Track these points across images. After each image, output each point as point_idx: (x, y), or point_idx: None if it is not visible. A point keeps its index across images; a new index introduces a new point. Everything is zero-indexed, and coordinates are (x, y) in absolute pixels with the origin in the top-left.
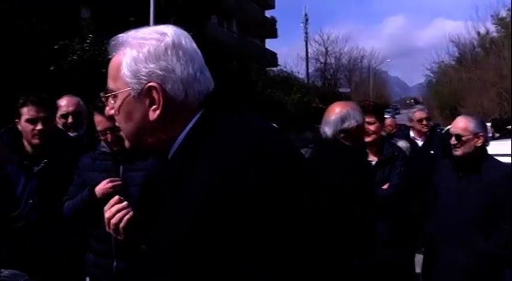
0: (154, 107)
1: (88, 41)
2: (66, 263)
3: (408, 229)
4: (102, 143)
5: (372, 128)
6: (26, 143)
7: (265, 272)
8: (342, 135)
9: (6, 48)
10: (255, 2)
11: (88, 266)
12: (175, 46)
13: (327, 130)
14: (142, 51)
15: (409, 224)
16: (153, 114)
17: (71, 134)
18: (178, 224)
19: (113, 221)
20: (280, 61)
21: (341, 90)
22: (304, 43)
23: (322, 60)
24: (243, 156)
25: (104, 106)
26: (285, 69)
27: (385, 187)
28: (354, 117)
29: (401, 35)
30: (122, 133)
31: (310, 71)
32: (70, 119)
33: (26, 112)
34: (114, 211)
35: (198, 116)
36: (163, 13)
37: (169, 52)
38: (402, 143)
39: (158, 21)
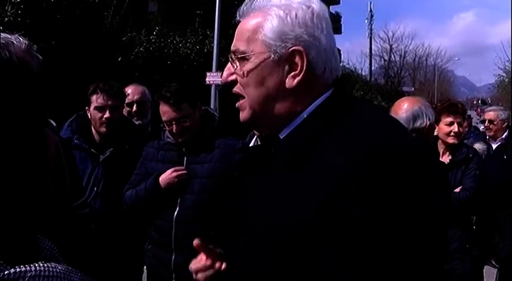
0: (294, 73)
1: (154, 33)
2: (124, 253)
3: (480, 239)
4: (167, 134)
5: (461, 129)
6: (94, 131)
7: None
8: (413, 135)
9: (78, 40)
10: None
11: (147, 257)
12: (321, 16)
13: None
14: (291, 15)
15: (481, 234)
16: (291, 81)
17: (135, 123)
18: (296, 206)
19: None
20: (343, 57)
21: (404, 89)
22: (368, 40)
23: (386, 57)
24: (379, 151)
25: (170, 97)
26: (347, 66)
27: (457, 190)
28: (427, 114)
29: (472, 32)
30: (241, 103)
31: (373, 68)
32: (135, 108)
33: (95, 100)
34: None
35: (329, 92)
36: (229, 6)
37: (315, 20)
38: (479, 146)
39: (224, 15)
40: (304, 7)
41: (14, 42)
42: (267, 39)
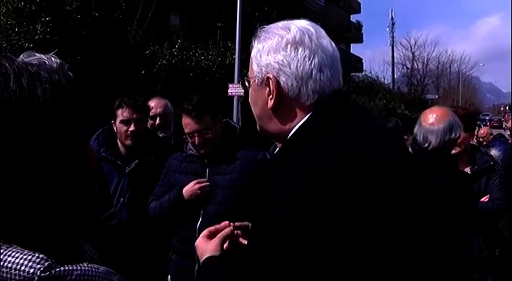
0: (270, 96)
1: (177, 46)
2: (148, 262)
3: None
4: (189, 146)
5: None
6: (119, 144)
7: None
8: (447, 145)
9: (103, 55)
10: (340, 6)
11: (171, 267)
12: (295, 42)
13: (433, 139)
14: (267, 44)
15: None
16: (270, 103)
17: (159, 135)
18: (260, 221)
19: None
20: (365, 66)
21: (428, 96)
22: (390, 48)
23: (409, 65)
24: (322, 167)
25: (192, 110)
26: (370, 75)
27: (485, 199)
28: (460, 126)
29: (498, 36)
30: None
31: (396, 76)
32: (158, 121)
33: (121, 113)
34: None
35: (306, 117)
36: (250, 18)
37: (288, 47)
38: (494, 152)
39: (244, 27)
40: (278, 37)
41: (47, 62)
42: (254, 66)
